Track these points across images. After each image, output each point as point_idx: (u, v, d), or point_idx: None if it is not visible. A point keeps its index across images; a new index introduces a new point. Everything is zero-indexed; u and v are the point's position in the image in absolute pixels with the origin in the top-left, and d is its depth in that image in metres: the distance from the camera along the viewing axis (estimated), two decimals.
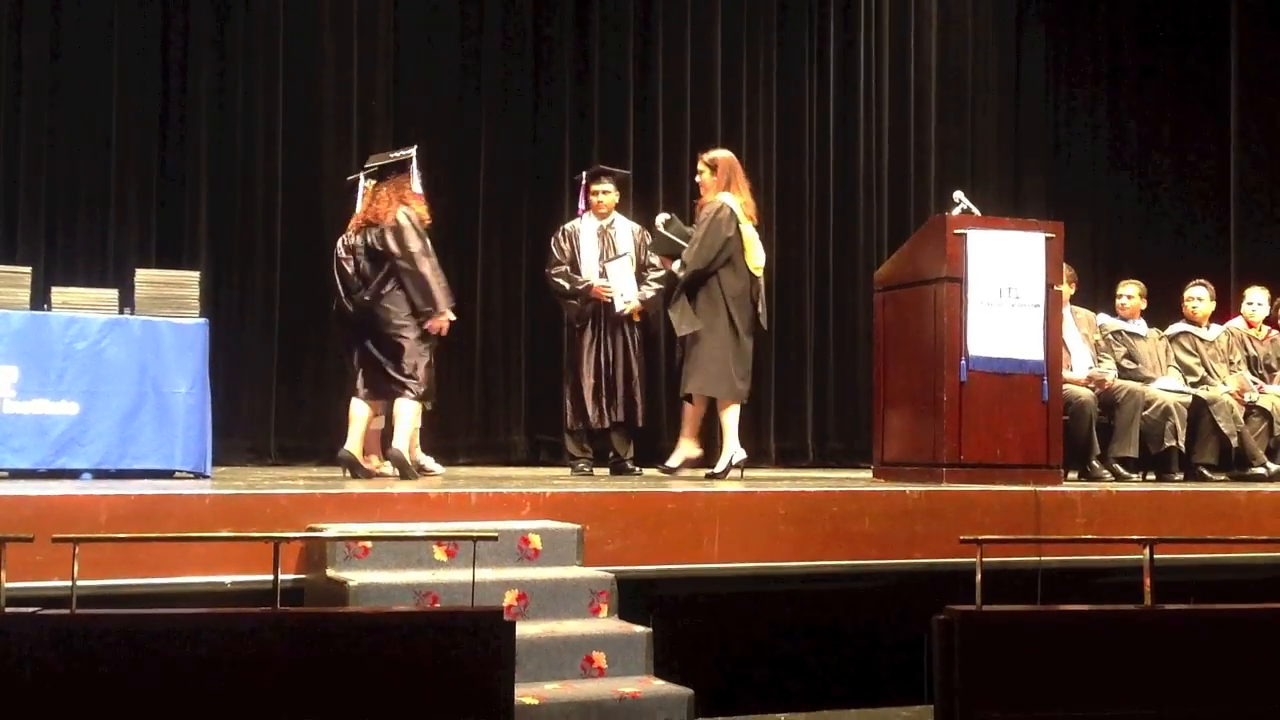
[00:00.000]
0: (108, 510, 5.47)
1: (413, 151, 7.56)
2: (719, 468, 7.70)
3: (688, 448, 7.85)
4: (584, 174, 8.81)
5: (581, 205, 8.71)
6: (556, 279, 8.61)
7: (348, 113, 10.20)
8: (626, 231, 8.62)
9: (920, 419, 7.32)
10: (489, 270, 10.52)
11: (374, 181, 7.53)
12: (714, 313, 7.65)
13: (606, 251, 8.52)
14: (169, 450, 7.00)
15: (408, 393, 7.25)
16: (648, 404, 8.82)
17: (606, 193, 8.56)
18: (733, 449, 7.72)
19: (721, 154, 7.97)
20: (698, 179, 7.95)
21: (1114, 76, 12.82)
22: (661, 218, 8.19)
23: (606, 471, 8.51)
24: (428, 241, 7.30)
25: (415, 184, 7.47)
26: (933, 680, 4.59)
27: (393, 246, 7.22)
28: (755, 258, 7.74)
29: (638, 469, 8.52)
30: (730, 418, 7.75)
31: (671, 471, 7.79)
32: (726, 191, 7.74)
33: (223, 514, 5.62)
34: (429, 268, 7.21)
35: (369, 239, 7.32)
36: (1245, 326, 9.34)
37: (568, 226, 8.74)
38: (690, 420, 7.89)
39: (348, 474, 7.33)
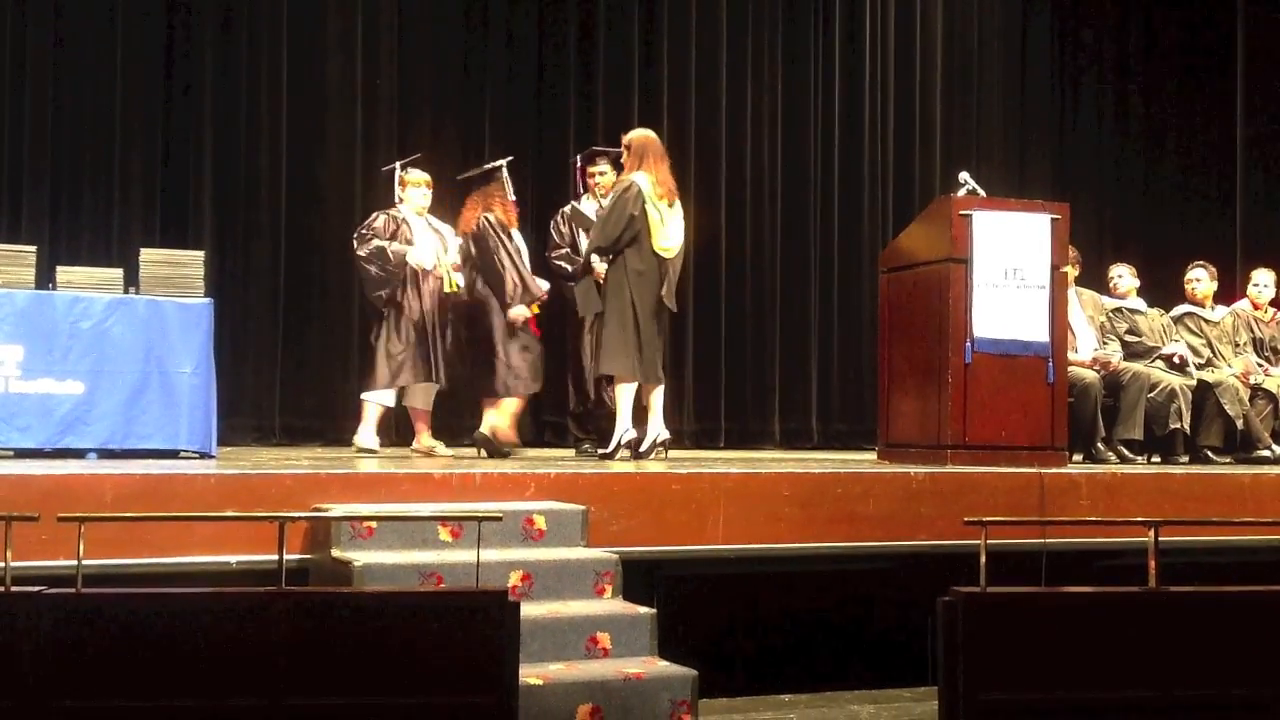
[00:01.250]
0: (113, 490, 5.48)
1: (502, 162, 8.05)
2: (609, 447, 7.57)
3: (622, 430, 7.59)
4: (578, 156, 8.80)
5: (580, 188, 8.70)
6: (557, 262, 8.59)
7: (352, 92, 10.19)
8: None
9: (925, 401, 7.31)
10: None
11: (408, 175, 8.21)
12: (617, 293, 7.49)
13: None
14: (174, 430, 7.00)
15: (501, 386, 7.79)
16: (672, 388, 8.82)
17: (603, 174, 8.51)
18: (623, 428, 7.51)
19: (637, 134, 7.81)
20: (623, 161, 7.83)
21: (1120, 56, 12.79)
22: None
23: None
24: (503, 241, 7.75)
25: (508, 191, 7.96)
26: (937, 662, 4.60)
27: (473, 251, 7.75)
28: (661, 239, 7.51)
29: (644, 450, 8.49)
30: (624, 394, 7.54)
31: (609, 456, 7.59)
32: (639, 170, 7.58)
33: (228, 494, 5.63)
34: (500, 265, 7.71)
35: (467, 245, 7.88)
36: (1251, 308, 9.32)
37: (567, 209, 8.71)
38: (620, 402, 7.67)
39: (483, 453, 7.68)
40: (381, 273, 7.90)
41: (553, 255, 8.64)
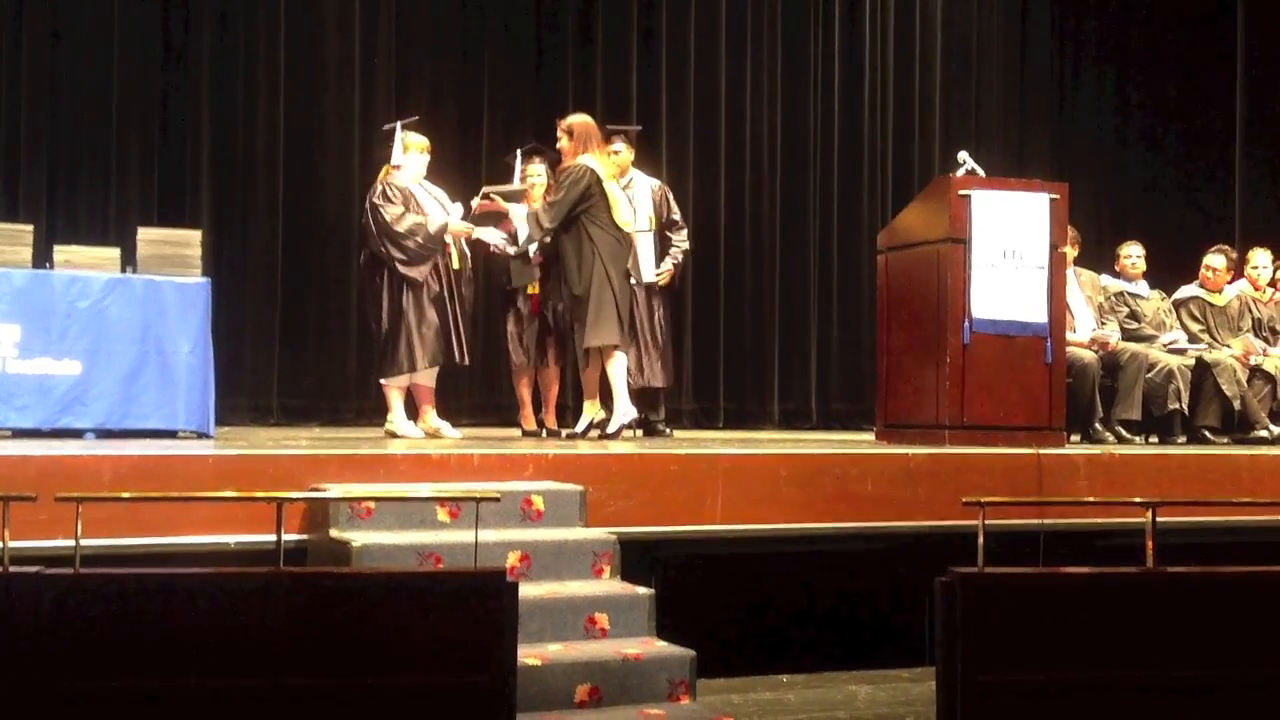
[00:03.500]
0: (111, 470, 5.48)
1: (516, 152, 8.46)
2: (611, 428, 7.60)
3: (592, 410, 7.71)
4: (518, 152, 8.68)
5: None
6: None
7: (349, 71, 10.18)
8: (646, 189, 8.51)
9: (923, 381, 7.31)
10: None
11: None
12: (591, 267, 7.57)
13: None
14: (172, 410, 7.00)
15: None
16: (674, 367, 8.85)
17: (617, 153, 8.48)
18: (624, 407, 7.59)
19: (577, 119, 7.83)
20: (558, 145, 7.85)
21: (1120, 35, 12.75)
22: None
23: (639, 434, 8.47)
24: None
25: (514, 179, 8.36)
26: (934, 642, 4.60)
27: None
28: (622, 213, 7.65)
29: (670, 431, 8.51)
30: (617, 371, 7.60)
31: (579, 436, 7.68)
32: (587, 154, 7.64)
33: (226, 474, 5.63)
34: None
35: None
36: (1251, 289, 9.31)
37: None
38: (590, 382, 7.75)
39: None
40: (422, 248, 7.50)
41: None
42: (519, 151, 8.48)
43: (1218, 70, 12.49)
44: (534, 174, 8.37)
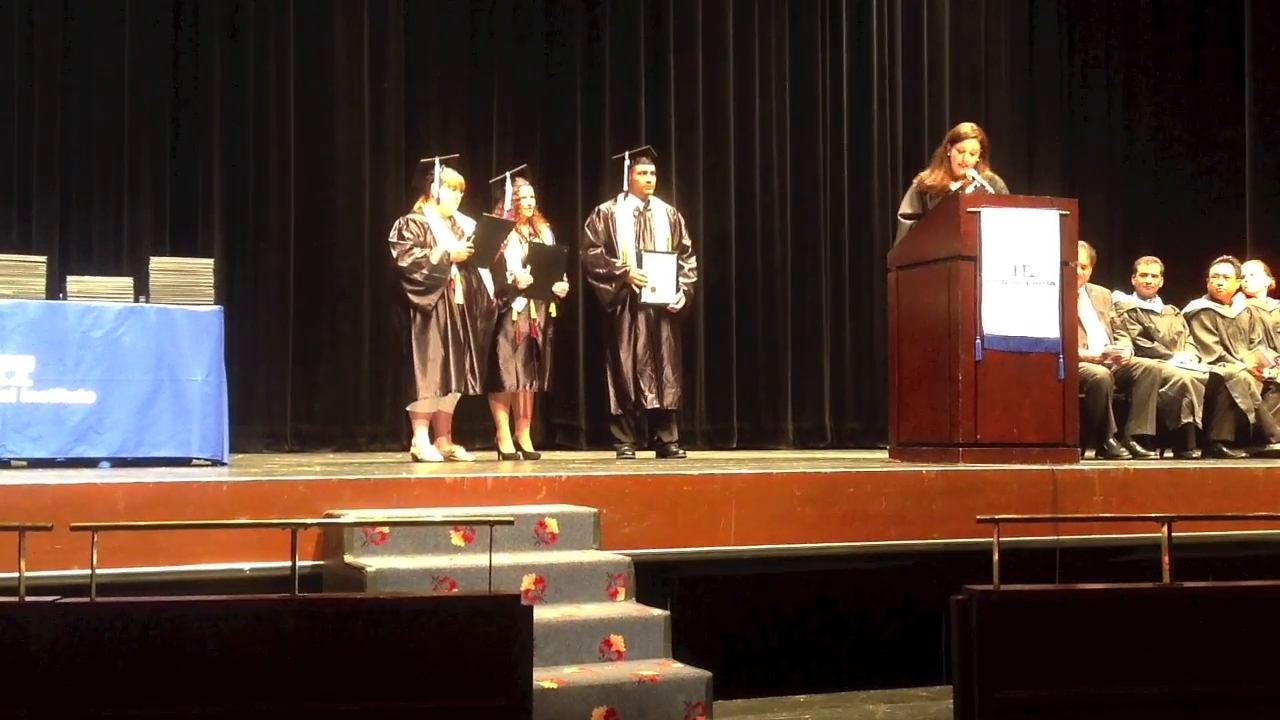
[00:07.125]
0: (126, 498, 5.49)
1: (504, 176, 8.44)
2: None
3: None
4: (627, 154, 8.71)
5: (626, 185, 8.62)
6: (592, 261, 8.57)
7: (359, 98, 10.21)
8: (663, 213, 8.57)
9: (936, 399, 7.29)
10: None
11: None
12: None
13: (643, 234, 8.47)
14: (186, 438, 7.02)
15: None
16: (686, 387, 8.84)
17: (652, 173, 8.51)
18: None
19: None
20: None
21: (1128, 49, 12.76)
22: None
23: (651, 455, 8.47)
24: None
25: (504, 200, 8.32)
26: (951, 660, 4.59)
27: None
28: None
29: (683, 452, 8.50)
30: None
31: None
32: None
33: (240, 501, 5.64)
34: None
35: None
36: (1245, 299, 9.28)
37: (603, 208, 8.66)
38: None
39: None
40: (428, 279, 7.66)
41: (589, 254, 8.58)
42: (508, 174, 8.48)
43: (1227, 82, 12.49)
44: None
